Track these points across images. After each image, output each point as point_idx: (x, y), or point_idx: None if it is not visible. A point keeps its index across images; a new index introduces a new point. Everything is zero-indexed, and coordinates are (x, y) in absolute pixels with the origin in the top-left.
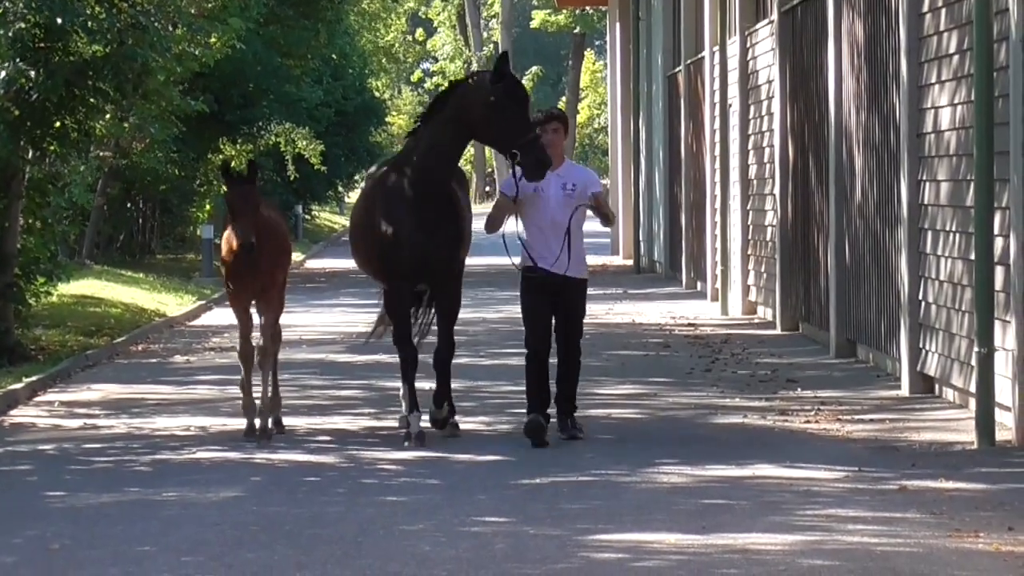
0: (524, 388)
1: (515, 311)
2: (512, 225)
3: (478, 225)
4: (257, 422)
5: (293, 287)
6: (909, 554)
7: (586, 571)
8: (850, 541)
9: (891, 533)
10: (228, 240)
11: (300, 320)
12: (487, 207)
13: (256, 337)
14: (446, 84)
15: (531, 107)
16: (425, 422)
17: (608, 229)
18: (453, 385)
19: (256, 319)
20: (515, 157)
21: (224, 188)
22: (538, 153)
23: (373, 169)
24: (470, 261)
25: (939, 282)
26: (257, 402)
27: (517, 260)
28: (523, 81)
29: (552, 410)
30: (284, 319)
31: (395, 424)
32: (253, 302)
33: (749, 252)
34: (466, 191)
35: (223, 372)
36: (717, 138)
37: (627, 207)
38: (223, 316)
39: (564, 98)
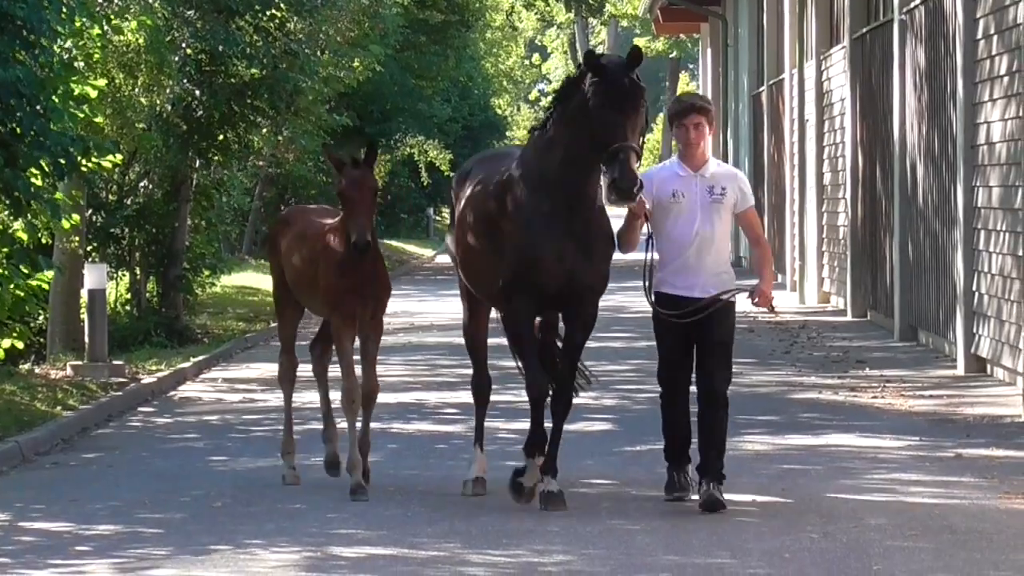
0: (628, 373)
1: (620, 301)
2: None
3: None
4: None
5: (424, 279)
6: (964, 513)
7: (681, 526)
8: (912, 502)
9: (948, 495)
10: (328, 254)
11: (431, 308)
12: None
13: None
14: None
15: (644, 105)
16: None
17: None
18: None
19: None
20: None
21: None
22: (617, 172)
23: (480, 169)
24: None
25: (990, 275)
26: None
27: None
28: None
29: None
30: (418, 306)
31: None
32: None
33: (823, 249)
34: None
35: None
36: (795, 150)
37: None
38: None
39: (662, 115)
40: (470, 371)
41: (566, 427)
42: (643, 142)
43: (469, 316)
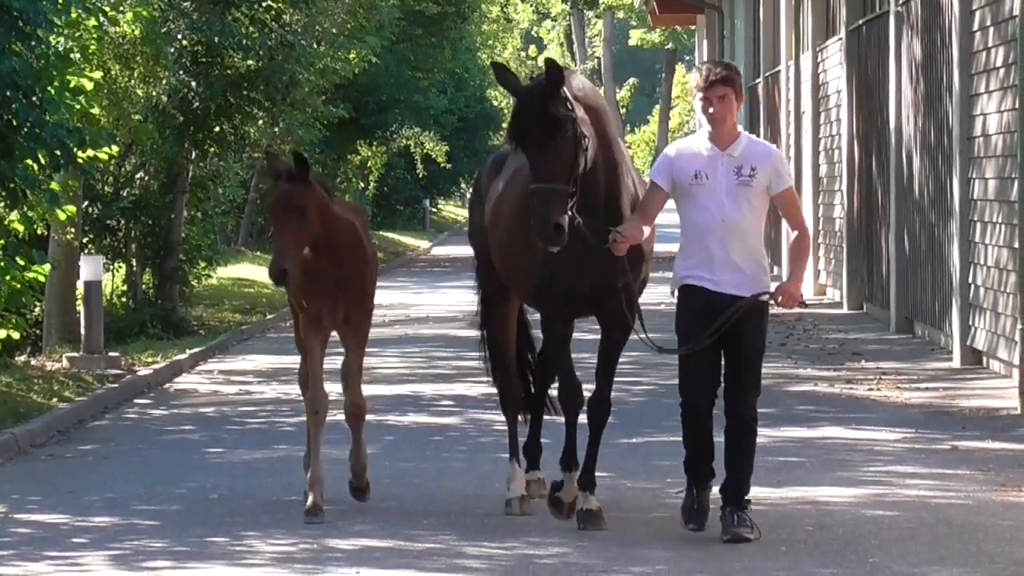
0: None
1: None
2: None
3: None
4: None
5: (421, 272)
6: (960, 506)
7: (676, 519)
8: (908, 494)
9: (944, 487)
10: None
11: (427, 300)
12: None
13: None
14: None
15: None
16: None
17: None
18: None
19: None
20: None
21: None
22: (534, 218)
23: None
24: None
25: (986, 267)
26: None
27: (651, 335)
28: (620, 92)
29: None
30: (414, 298)
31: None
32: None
33: (819, 241)
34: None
35: None
36: (792, 142)
37: None
38: None
39: (658, 106)
40: (466, 363)
41: (561, 420)
42: (595, 163)
43: (488, 313)
